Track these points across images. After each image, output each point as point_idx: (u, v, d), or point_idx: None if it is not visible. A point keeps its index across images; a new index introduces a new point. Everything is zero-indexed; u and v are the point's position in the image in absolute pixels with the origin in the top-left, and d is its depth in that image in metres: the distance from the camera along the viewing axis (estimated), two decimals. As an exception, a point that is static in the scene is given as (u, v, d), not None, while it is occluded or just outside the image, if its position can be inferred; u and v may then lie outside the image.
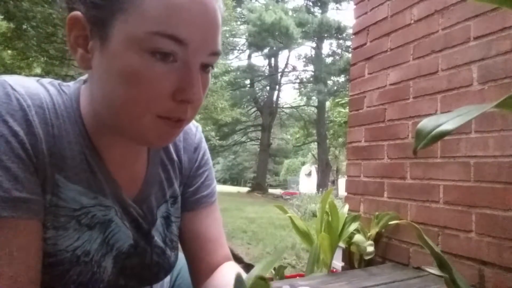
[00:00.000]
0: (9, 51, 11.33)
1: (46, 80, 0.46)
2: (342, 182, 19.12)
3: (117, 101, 0.40)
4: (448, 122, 0.26)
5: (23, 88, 0.39)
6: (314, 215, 6.91)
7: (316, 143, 22.93)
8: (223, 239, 0.63)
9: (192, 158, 0.62)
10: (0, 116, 0.36)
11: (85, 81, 0.48)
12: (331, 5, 22.70)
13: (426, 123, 0.28)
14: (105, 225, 0.47)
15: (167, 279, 0.70)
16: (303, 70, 25.25)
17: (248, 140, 27.84)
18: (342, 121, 10.50)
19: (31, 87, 0.41)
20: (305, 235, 1.39)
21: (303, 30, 19.58)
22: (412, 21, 1.36)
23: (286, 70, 24.99)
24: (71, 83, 0.48)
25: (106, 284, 0.47)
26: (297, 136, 25.56)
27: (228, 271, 0.58)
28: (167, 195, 0.57)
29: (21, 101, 0.38)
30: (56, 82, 0.47)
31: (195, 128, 0.65)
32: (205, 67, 0.44)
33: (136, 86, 0.38)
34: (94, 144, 0.46)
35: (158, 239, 0.55)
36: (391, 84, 1.43)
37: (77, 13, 0.41)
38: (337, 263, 1.44)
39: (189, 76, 0.40)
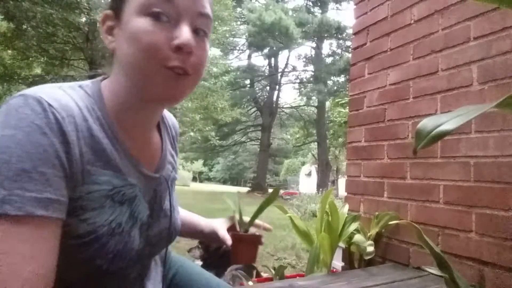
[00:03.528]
0: (9, 51, 11.31)
1: (66, 86, 0.53)
2: (342, 182, 19.12)
3: (133, 61, 0.50)
4: (448, 122, 0.27)
5: (56, 102, 0.46)
6: (314, 215, 6.90)
7: (316, 143, 22.92)
8: None
9: (174, 136, 0.75)
10: (40, 129, 0.43)
11: (103, 78, 0.58)
12: (331, 5, 22.70)
13: (426, 123, 0.28)
14: (131, 201, 0.55)
15: (160, 276, 0.73)
16: (303, 70, 25.26)
17: (248, 140, 27.82)
18: (342, 121, 10.48)
19: (62, 99, 0.47)
20: (305, 235, 1.39)
21: (303, 30, 19.56)
22: (412, 21, 1.36)
23: (286, 70, 24.99)
24: (90, 82, 0.56)
25: (135, 252, 0.55)
26: (297, 136, 25.54)
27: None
28: (175, 165, 0.70)
29: (56, 115, 0.45)
30: (76, 84, 0.54)
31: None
32: (197, 32, 0.53)
33: (142, 42, 0.49)
34: (117, 134, 0.54)
35: (170, 202, 0.65)
36: (391, 84, 1.43)
37: (107, 10, 0.54)
38: (337, 263, 1.44)
39: (180, 27, 0.50)
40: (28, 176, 0.41)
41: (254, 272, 2.14)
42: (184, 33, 0.50)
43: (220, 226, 0.82)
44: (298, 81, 25.05)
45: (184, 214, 0.84)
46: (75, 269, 0.50)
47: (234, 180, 45.37)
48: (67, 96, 0.49)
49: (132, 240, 0.54)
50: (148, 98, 0.54)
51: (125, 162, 0.54)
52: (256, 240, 0.79)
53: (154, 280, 0.69)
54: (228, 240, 0.78)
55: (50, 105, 0.45)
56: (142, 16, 0.49)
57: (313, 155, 26.83)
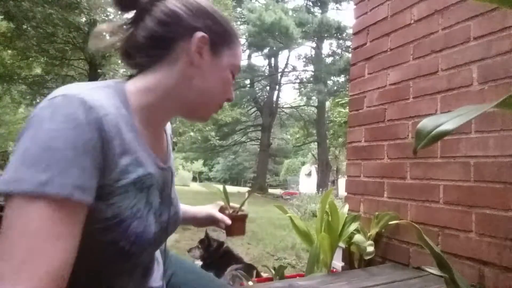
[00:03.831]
0: (9, 51, 11.31)
1: (97, 86, 0.58)
2: (342, 182, 19.11)
3: (209, 92, 0.68)
4: (448, 122, 0.27)
5: (96, 102, 0.53)
6: (314, 215, 6.90)
7: (316, 143, 22.91)
8: None
9: (170, 132, 0.85)
10: (82, 125, 0.50)
11: (129, 77, 0.67)
12: (331, 5, 22.70)
13: (426, 123, 0.28)
14: (148, 189, 0.62)
15: (161, 273, 0.77)
16: (303, 70, 25.26)
17: (248, 140, 27.81)
18: (342, 121, 10.48)
19: (99, 99, 0.54)
20: (305, 235, 1.39)
21: (303, 30, 19.56)
22: (412, 21, 1.36)
23: (286, 70, 24.99)
24: (113, 82, 0.63)
25: (153, 236, 0.62)
26: (297, 136, 25.52)
27: None
28: (172, 159, 0.80)
29: (96, 114, 0.52)
30: (103, 85, 0.60)
31: None
32: None
33: (224, 88, 0.69)
34: (140, 131, 0.62)
35: (174, 192, 0.75)
36: (391, 84, 1.43)
37: (205, 34, 0.64)
38: (337, 263, 1.44)
39: (233, 87, 0.73)
40: (69, 164, 0.47)
41: (254, 272, 2.14)
42: (233, 91, 0.74)
43: (214, 210, 0.98)
44: (298, 81, 25.05)
45: None
46: (98, 253, 0.55)
47: (234, 180, 45.32)
48: (103, 97, 0.56)
49: (150, 224, 0.61)
50: (190, 112, 0.70)
51: (145, 154, 0.62)
52: (245, 218, 1.02)
53: (155, 277, 0.74)
54: (227, 220, 0.95)
55: (91, 105, 0.52)
56: (230, 72, 0.69)
57: (313, 155, 26.82)
